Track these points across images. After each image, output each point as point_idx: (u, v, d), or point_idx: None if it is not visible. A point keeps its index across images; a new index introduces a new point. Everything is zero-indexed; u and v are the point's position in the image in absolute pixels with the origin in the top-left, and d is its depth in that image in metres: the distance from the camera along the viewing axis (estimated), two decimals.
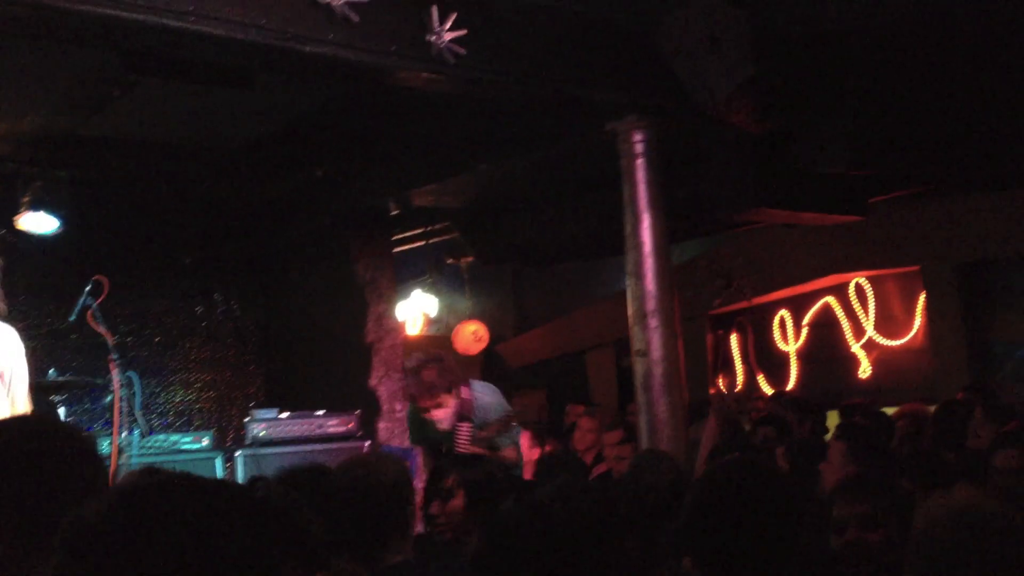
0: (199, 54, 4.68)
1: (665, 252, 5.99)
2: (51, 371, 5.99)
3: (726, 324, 10.37)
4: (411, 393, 5.49)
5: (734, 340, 10.34)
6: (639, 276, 5.93)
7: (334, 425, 7.20)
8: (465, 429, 5.55)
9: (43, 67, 5.42)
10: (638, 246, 5.94)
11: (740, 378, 10.28)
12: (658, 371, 5.79)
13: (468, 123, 6.37)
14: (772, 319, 9.95)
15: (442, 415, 5.36)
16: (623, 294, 6.01)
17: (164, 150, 6.88)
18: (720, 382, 10.32)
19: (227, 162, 6.97)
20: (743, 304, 9.55)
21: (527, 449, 6.82)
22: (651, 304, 5.90)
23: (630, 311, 5.94)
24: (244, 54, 4.49)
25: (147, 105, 5.98)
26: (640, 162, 5.90)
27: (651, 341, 5.85)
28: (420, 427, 5.53)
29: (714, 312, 10.09)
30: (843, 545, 3.02)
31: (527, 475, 6.27)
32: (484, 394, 5.56)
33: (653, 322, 5.88)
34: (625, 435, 6.35)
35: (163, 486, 1.11)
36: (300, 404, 7.36)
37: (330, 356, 7.73)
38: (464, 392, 5.53)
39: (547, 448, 7.12)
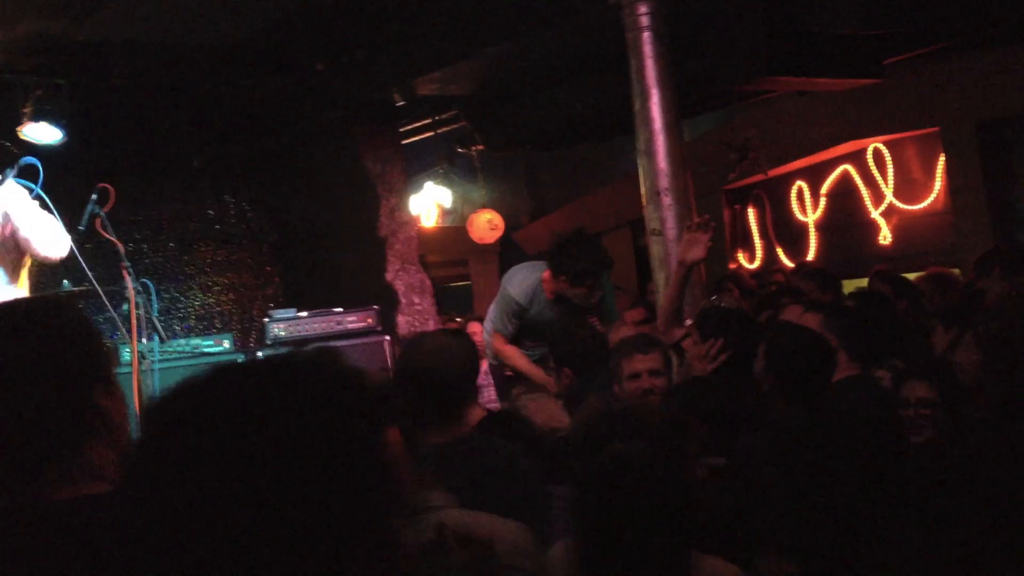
0: None
1: (676, 128, 5.92)
2: (65, 282, 6.02)
3: (743, 198, 10.26)
4: None
5: (751, 214, 10.25)
6: (650, 154, 5.87)
7: (353, 321, 7.25)
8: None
9: None
10: (648, 123, 5.87)
11: (759, 252, 10.22)
12: (674, 249, 5.75)
13: (470, 6, 6.21)
14: (789, 190, 9.82)
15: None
16: (637, 174, 5.95)
17: (162, 51, 6.74)
18: (739, 256, 10.27)
19: (227, 60, 6.84)
20: (759, 177, 9.43)
21: None
22: (664, 182, 5.86)
23: (643, 190, 5.91)
24: None
25: (140, 5, 5.84)
26: (646, 36, 5.77)
27: (666, 219, 5.81)
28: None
29: (730, 187, 9.97)
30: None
31: None
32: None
33: (667, 200, 5.85)
34: (647, 314, 6.40)
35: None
36: (318, 302, 7.40)
37: (345, 252, 7.72)
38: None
39: None
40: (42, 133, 6.77)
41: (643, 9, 5.73)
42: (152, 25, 6.21)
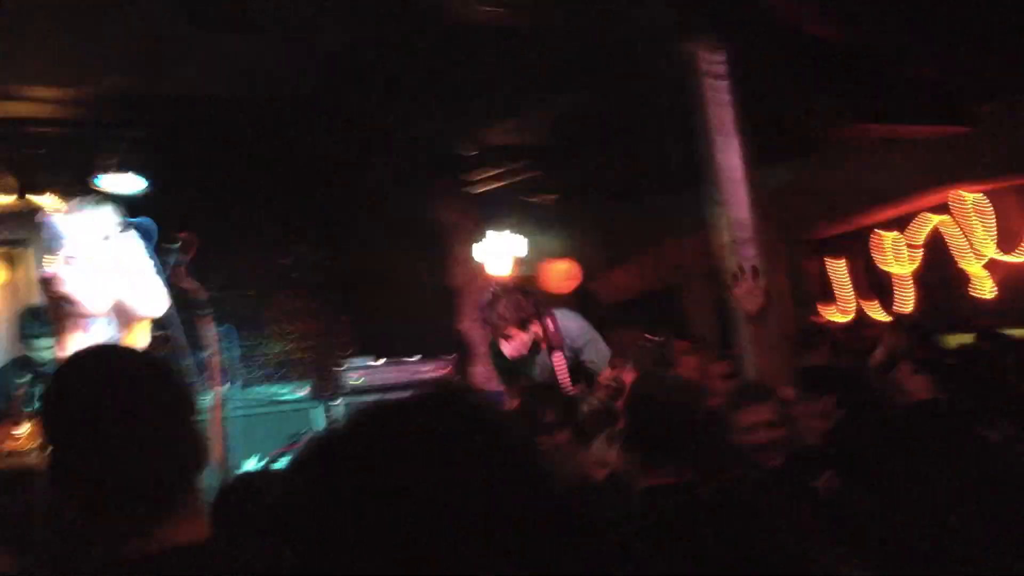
0: (261, 6, 4.67)
1: (751, 177, 5.80)
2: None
3: (830, 249, 9.94)
4: (485, 324, 5.60)
5: (839, 265, 9.91)
6: (726, 203, 5.78)
7: (429, 370, 7.23)
8: (559, 359, 5.59)
9: (114, 29, 5.48)
10: (721, 173, 5.77)
11: (849, 305, 9.88)
12: (741, 288, 5.63)
13: (540, 56, 6.20)
14: (880, 241, 9.48)
15: (508, 346, 5.45)
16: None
17: (237, 105, 6.91)
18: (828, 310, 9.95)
19: (300, 113, 6.97)
20: (846, 227, 9.14)
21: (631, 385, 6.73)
22: (741, 232, 5.74)
23: (720, 241, 5.79)
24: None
25: (215, 62, 6.01)
26: (718, 84, 5.68)
27: (744, 270, 5.68)
28: (496, 355, 5.64)
29: (817, 237, 9.67)
30: None
31: None
32: (568, 320, 5.64)
33: (746, 251, 5.72)
34: (732, 368, 6.22)
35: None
36: (392, 351, 7.40)
37: (419, 302, 7.73)
38: (549, 323, 5.56)
39: None
40: (125, 183, 6.98)
41: (717, 57, 5.65)
42: (227, 80, 6.37)
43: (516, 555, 0.97)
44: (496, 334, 5.49)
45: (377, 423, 1.05)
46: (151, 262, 4.81)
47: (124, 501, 1.55)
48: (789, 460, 3.61)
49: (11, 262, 7.75)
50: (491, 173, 8.16)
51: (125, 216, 4.73)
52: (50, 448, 1.64)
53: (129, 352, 1.88)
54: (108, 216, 4.71)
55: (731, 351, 7.12)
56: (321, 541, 0.97)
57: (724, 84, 5.62)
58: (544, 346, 5.63)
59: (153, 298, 4.75)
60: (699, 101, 5.70)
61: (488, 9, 4.66)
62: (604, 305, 9.45)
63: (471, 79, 6.35)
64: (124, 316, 4.76)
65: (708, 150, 5.75)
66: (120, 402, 1.58)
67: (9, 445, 5.73)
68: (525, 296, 5.60)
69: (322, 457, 1.03)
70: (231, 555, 1.53)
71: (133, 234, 4.72)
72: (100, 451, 1.57)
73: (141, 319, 4.81)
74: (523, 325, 5.45)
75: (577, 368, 5.59)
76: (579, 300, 9.38)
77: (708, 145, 5.74)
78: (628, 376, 6.61)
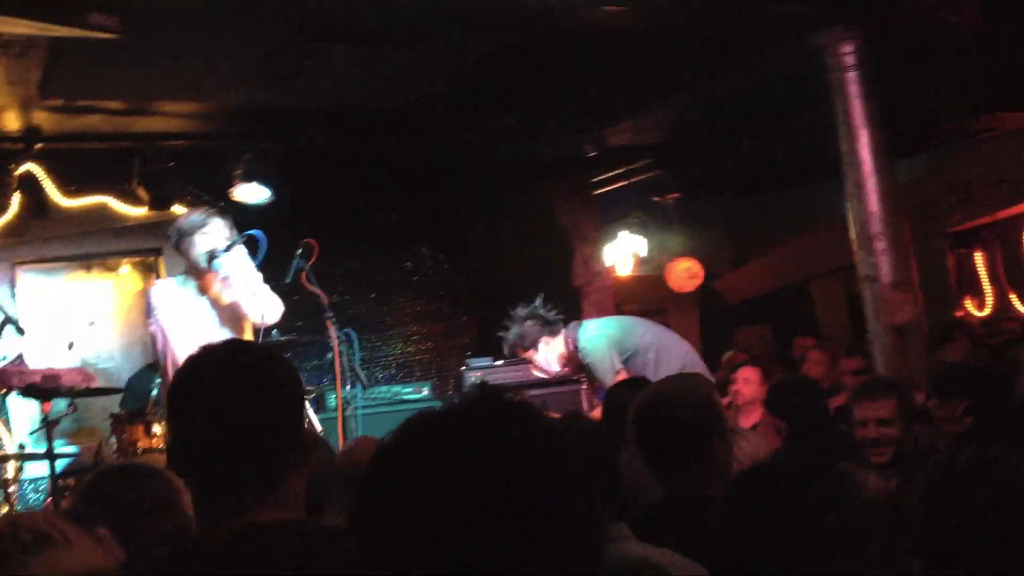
0: (377, 16, 4.71)
1: (886, 169, 5.68)
2: (274, 332, 6.26)
3: (969, 241, 9.51)
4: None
5: (979, 258, 9.47)
6: (860, 197, 5.67)
7: None
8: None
9: (239, 43, 5.61)
10: (856, 165, 5.65)
11: (989, 299, 9.44)
12: (889, 296, 5.54)
13: (661, 52, 6.10)
14: (1023, 232, 9.02)
15: (535, 369, 5.78)
16: (846, 218, 5.69)
17: (358, 114, 7.01)
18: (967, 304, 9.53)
19: (420, 119, 7.02)
20: (986, 219, 8.73)
21: (757, 386, 6.58)
22: (875, 226, 5.65)
23: (853, 235, 5.69)
24: (426, 9, 4.49)
25: (336, 73, 6.09)
26: (852, 75, 5.54)
27: (879, 265, 5.58)
28: None
29: (954, 230, 9.27)
30: None
31: (755, 412, 6.03)
32: (583, 341, 5.63)
33: (879, 244, 5.65)
34: (865, 363, 6.07)
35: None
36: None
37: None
38: (569, 342, 5.58)
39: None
40: (252, 194, 7.14)
41: (848, 48, 5.51)
42: (347, 91, 6.47)
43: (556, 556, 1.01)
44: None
45: (424, 432, 1.08)
46: (257, 274, 4.95)
47: (222, 487, 1.67)
48: (896, 458, 3.56)
49: (145, 270, 8.03)
50: (613, 173, 8.09)
51: (236, 229, 4.89)
52: (170, 439, 1.78)
53: (245, 350, 1.92)
54: (223, 228, 4.88)
55: (863, 347, 6.93)
56: (382, 544, 1.03)
57: (856, 75, 5.47)
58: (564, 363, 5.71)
59: (266, 306, 4.88)
60: (831, 93, 5.55)
61: (613, 9, 4.59)
62: (729, 303, 9.27)
63: (593, 79, 6.29)
64: (236, 322, 4.90)
65: (840, 143, 5.60)
66: (228, 397, 1.70)
67: (145, 443, 5.95)
68: (535, 320, 5.69)
69: (378, 468, 1.08)
70: (305, 535, 1.63)
71: (243, 246, 4.86)
72: (206, 441, 1.69)
73: (254, 325, 4.96)
74: (529, 348, 5.65)
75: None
76: (703, 299, 9.27)
77: (840, 138, 5.59)
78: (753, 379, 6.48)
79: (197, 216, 4.91)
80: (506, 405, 1.11)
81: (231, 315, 4.90)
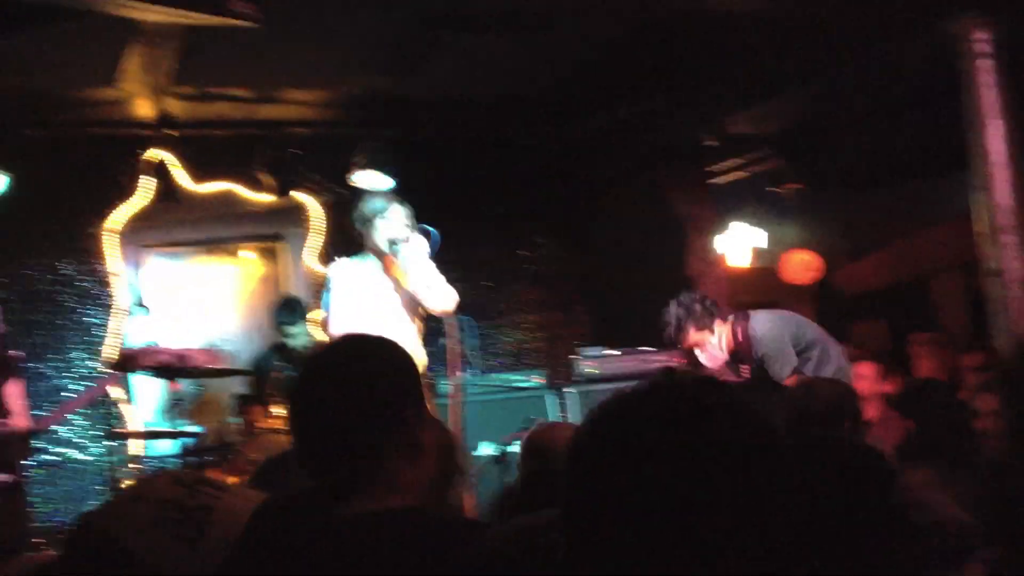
0: (502, 5, 4.75)
1: (1018, 161, 5.48)
2: None
3: None
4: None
5: None
6: (987, 189, 5.50)
7: (662, 360, 7.18)
8: (745, 372, 5.50)
9: (365, 32, 5.72)
10: (985, 156, 5.49)
11: None
12: (1016, 292, 5.36)
13: (787, 39, 6.01)
14: None
15: (703, 359, 5.60)
16: (969, 213, 5.54)
17: (475, 103, 7.07)
18: None
19: (536, 108, 7.05)
20: None
21: (874, 382, 6.48)
22: (1003, 219, 5.48)
23: (979, 228, 5.53)
24: None
25: (454, 63, 6.17)
26: (984, 64, 5.37)
27: (1005, 259, 5.41)
28: None
29: None
30: None
31: (873, 409, 5.94)
32: (762, 328, 5.50)
33: (1007, 239, 5.48)
34: (986, 359, 5.95)
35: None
36: (626, 341, 7.38)
37: (653, 292, 7.65)
38: (739, 332, 5.46)
39: (890, 380, 6.68)
40: (372, 181, 7.27)
41: (981, 36, 5.35)
42: (465, 80, 6.53)
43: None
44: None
45: (631, 409, 1.08)
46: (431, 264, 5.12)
47: (331, 475, 1.75)
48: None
49: (269, 256, 8.22)
50: (731, 162, 8.00)
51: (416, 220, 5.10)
52: (291, 423, 1.85)
53: (363, 342, 1.95)
54: (402, 216, 5.08)
55: (984, 343, 6.75)
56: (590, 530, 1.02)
57: (990, 64, 5.32)
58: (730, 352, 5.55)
59: (440, 297, 5.07)
60: (963, 82, 5.40)
61: None
62: (847, 297, 9.09)
63: (717, 67, 6.23)
64: (412, 307, 5.07)
65: (971, 133, 5.45)
66: (340, 390, 1.76)
67: (264, 424, 6.12)
68: (703, 303, 5.57)
69: (577, 454, 1.08)
70: (416, 523, 1.67)
71: (421, 237, 5.04)
72: (318, 431, 1.77)
73: (429, 313, 5.14)
74: (702, 328, 5.51)
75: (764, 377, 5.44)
76: (820, 292, 9.10)
77: (971, 128, 5.44)
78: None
79: (379, 202, 5.15)
80: (702, 380, 1.12)
81: (409, 300, 5.11)
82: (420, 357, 5.03)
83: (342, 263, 5.34)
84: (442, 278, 5.15)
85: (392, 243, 5.04)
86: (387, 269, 5.16)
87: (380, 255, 5.16)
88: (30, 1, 4.68)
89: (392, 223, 5.08)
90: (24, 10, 4.80)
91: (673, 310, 5.61)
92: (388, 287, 5.19)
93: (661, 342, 6.42)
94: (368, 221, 5.11)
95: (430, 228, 5.09)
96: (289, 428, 1.86)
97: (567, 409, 7.10)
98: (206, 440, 6.42)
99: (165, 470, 5.02)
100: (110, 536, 1.71)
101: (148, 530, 1.70)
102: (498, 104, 7.03)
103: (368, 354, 1.85)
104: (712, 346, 5.52)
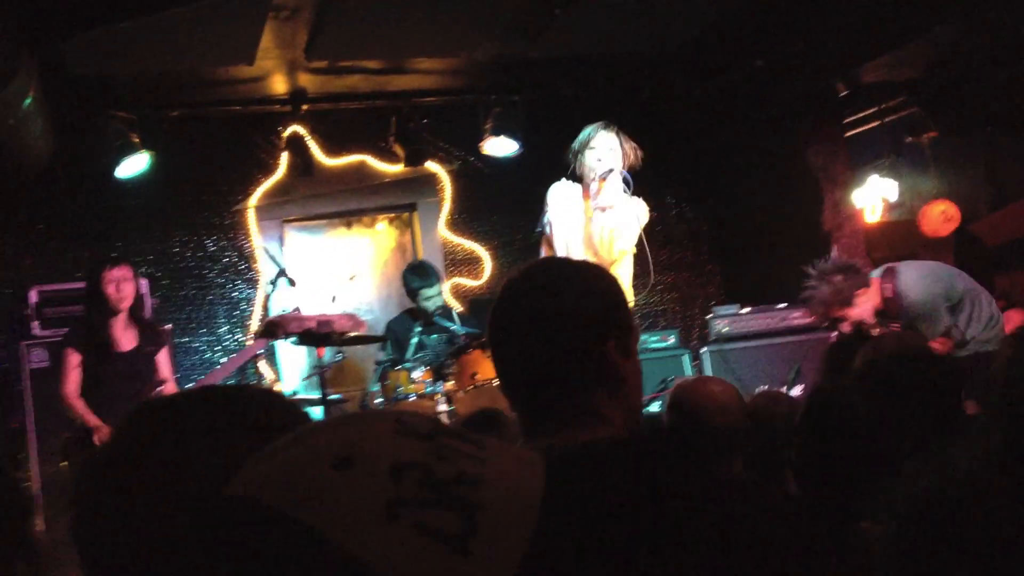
0: None
1: None
2: None
3: None
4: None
5: None
6: None
7: (797, 317, 7.08)
8: (895, 328, 5.28)
9: None
10: None
11: None
12: None
13: None
14: None
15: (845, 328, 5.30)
16: None
17: (604, 63, 7.02)
18: None
19: (667, 66, 6.97)
20: None
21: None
22: None
23: None
24: None
25: (584, 23, 6.13)
26: None
27: None
28: None
29: None
30: None
31: None
32: (913, 283, 5.21)
33: None
34: None
35: None
36: (759, 299, 7.30)
37: (786, 248, 7.54)
38: (888, 288, 5.22)
39: None
40: (500, 147, 7.34)
41: None
42: (595, 40, 6.49)
43: None
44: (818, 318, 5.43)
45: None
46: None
47: (537, 408, 1.68)
48: None
49: (401, 226, 8.37)
50: (865, 112, 7.77)
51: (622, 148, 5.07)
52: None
53: (561, 267, 1.85)
54: (609, 141, 5.04)
55: None
56: None
57: None
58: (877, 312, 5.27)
59: (624, 236, 4.99)
60: None
61: None
62: (989, 247, 8.75)
63: (845, 13, 6.05)
64: (603, 242, 5.04)
65: None
66: (537, 319, 1.68)
67: (407, 389, 6.23)
68: (845, 273, 5.31)
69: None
70: (624, 452, 1.55)
71: (619, 176, 5.01)
72: (521, 365, 1.70)
73: (620, 253, 5.12)
74: (845, 305, 5.22)
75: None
76: (960, 243, 8.77)
77: None
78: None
79: (585, 132, 5.14)
80: None
81: (599, 232, 5.02)
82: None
83: (561, 184, 5.23)
84: (630, 220, 5.03)
85: (591, 172, 4.98)
86: (588, 196, 5.07)
87: (586, 183, 5.08)
88: None
89: (598, 151, 5.01)
90: None
91: (817, 293, 5.32)
92: (585, 214, 5.11)
93: (795, 299, 6.32)
94: (578, 154, 5.06)
95: (625, 174, 5.03)
96: (496, 369, 1.79)
97: (703, 369, 7.08)
98: (347, 408, 6.56)
99: (374, 410, 4.14)
100: (299, 526, 0.85)
101: (375, 526, 0.85)
102: (628, 63, 6.98)
103: (570, 282, 1.74)
104: (857, 313, 5.29)
